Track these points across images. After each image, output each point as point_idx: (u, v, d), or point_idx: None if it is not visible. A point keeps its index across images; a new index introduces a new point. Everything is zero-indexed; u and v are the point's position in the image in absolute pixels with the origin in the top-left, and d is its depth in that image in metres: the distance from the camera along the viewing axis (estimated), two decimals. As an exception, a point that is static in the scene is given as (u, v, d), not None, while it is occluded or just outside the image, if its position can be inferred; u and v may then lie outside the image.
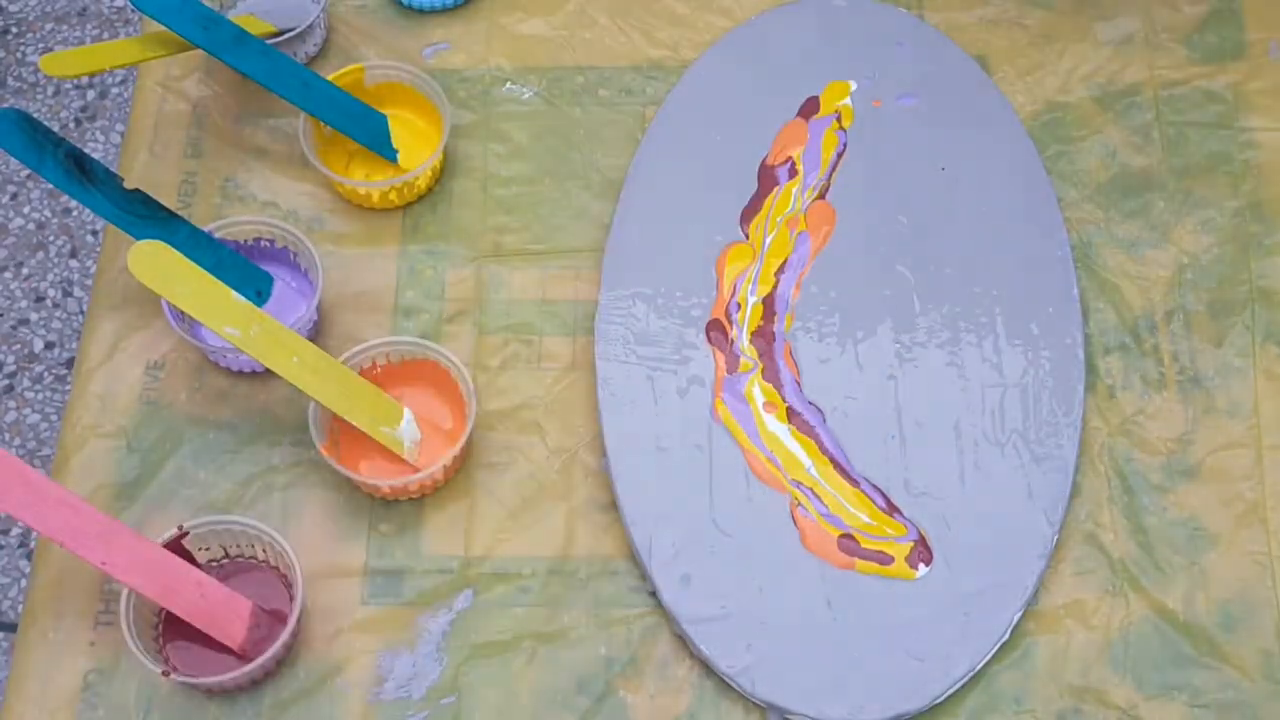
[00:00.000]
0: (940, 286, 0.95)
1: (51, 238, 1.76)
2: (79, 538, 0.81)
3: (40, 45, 1.89)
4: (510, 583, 0.89)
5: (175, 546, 0.86)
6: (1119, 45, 1.04)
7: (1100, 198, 0.99)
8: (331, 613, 0.88)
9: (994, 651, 0.85)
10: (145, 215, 0.92)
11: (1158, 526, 0.89)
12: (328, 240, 0.99)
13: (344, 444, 0.91)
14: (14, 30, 1.90)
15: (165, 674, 0.82)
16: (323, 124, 0.99)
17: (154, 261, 0.85)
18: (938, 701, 0.85)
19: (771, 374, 0.93)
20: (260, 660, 0.83)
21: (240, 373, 0.94)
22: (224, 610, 0.84)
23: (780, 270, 0.96)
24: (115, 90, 1.86)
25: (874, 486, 0.89)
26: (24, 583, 1.57)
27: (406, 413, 0.89)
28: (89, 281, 1.74)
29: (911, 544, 0.88)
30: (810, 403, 0.92)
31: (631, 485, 0.89)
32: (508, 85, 1.04)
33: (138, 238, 0.89)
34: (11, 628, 1.54)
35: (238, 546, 0.88)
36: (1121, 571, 0.88)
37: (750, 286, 0.95)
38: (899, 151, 0.99)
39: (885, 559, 0.87)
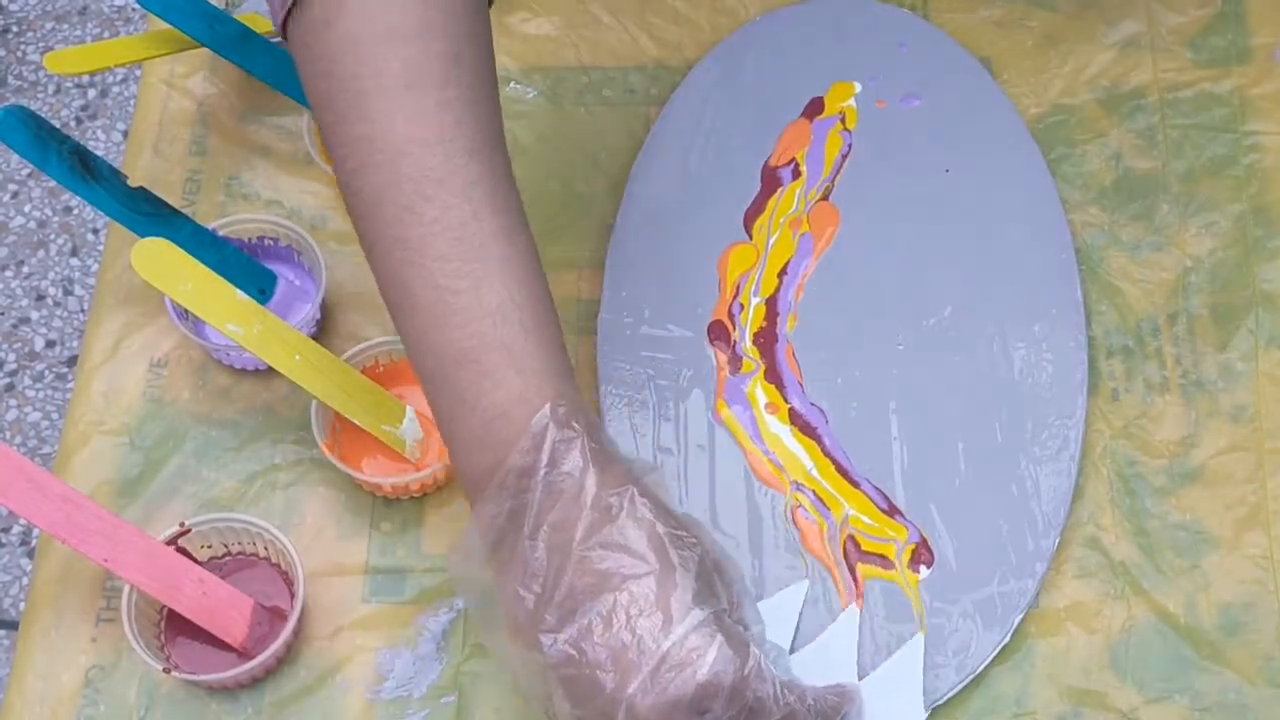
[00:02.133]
0: (943, 288, 0.95)
1: (52, 236, 1.77)
2: (81, 534, 0.81)
3: (41, 44, 1.89)
4: (512, 582, 0.89)
5: (177, 544, 0.86)
6: (1123, 48, 1.04)
7: (1104, 201, 0.99)
8: (332, 611, 0.88)
9: (994, 654, 0.85)
10: (149, 213, 0.92)
11: (1159, 529, 0.89)
12: (332, 239, 0.99)
13: (346, 442, 0.91)
14: (15, 29, 1.90)
15: (166, 671, 0.82)
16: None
17: (157, 259, 0.85)
18: (938, 703, 0.84)
19: (774, 375, 0.93)
20: (261, 658, 0.83)
21: (243, 371, 0.94)
22: (225, 607, 0.84)
23: (783, 271, 0.96)
24: (116, 89, 1.86)
25: (875, 488, 0.89)
26: (25, 581, 1.57)
27: (409, 411, 0.89)
28: (90, 280, 1.74)
29: (913, 546, 0.88)
30: (812, 404, 0.92)
31: (633, 485, 0.89)
32: (512, 85, 1.04)
33: (141, 235, 0.89)
34: (13, 626, 1.54)
35: (239, 544, 0.88)
36: (1123, 574, 0.88)
37: (753, 288, 0.95)
38: (903, 153, 0.99)
39: (886, 564, 0.87)
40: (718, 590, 0.71)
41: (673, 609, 0.67)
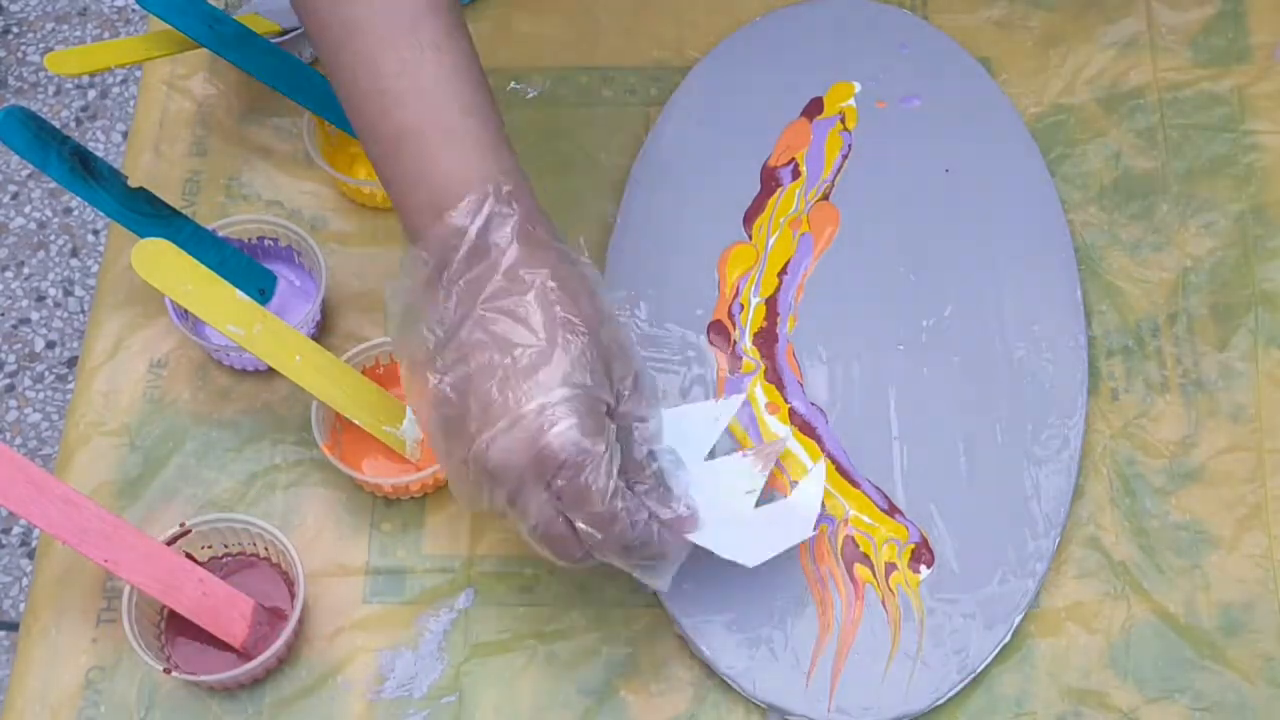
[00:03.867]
0: (943, 288, 0.95)
1: (52, 237, 1.77)
2: (82, 535, 0.81)
3: (41, 45, 1.89)
4: (511, 582, 0.89)
5: (177, 545, 0.86)
6: (1123, 48, 1.04)
7: (1103, 200, 0.99)
8: (333, 611, 0.88)
9: (995, 653, 0.85)
10: (149, 213, 0.92)
11: (1159, 529, 0.89)
12: (332, 239, 0.99)
13: (346, 443, 0.91)
14: (15, 30, 1.90)
15: (167, 671, 0.82)
16: (327, 124, 0.99)
17: (158, 259, 0.85)
18: (938, 703, 0.84)
19: (774, 375, 0.93)
20: (261, 658, 0.83)
21: (243, 371, 0.94)
22: (226, 608, 0.84)
23: (783, 271, 0.96)
24: (116, 90, 1.86)
25: (876, 488, 0.89)
26: (25, 582, 1.57)
27: (409, 411, 0.89)
28: (90, 281, 1.74)
29: (913, 545, 0.88)
30: (812, 404, 0.92)
31: (634, 485, 0.89)
32: (512, 85, 1.04)
33: (141, 235, 0.89)
34: (13, 627, 1.54)
35: (240, 544, 0.88)
36: (1123, 574, 0.88)
37: (753, 288, 0.95)
38: (903, 153, 0.99)
39: (889, 567, 0.87)
40: (606, 380, 0.75)
41: (541, 379, 0.73)
